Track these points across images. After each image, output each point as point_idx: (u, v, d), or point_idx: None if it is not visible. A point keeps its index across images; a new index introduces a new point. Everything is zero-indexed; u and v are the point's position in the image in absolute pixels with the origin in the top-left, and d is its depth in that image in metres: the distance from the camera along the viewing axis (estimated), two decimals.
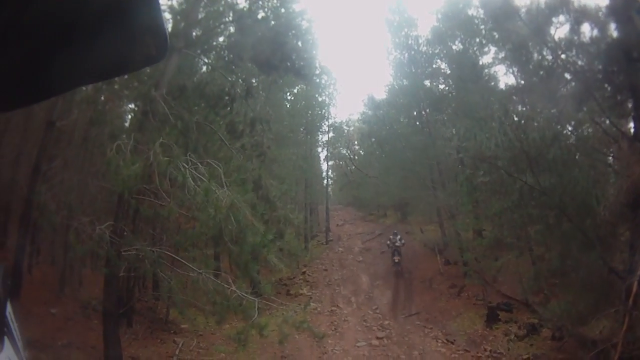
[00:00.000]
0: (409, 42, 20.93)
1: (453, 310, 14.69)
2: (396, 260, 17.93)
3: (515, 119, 12.00)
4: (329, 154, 28.61)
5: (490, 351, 11.78)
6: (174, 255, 9.77)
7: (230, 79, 10.97)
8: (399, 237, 18.64)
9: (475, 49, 18.33)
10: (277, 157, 13.41)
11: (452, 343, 12.40)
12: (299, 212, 18.45)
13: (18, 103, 0.99)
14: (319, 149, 27.89)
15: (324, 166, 29.30)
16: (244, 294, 8.53)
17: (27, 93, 0.92)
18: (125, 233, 9.22)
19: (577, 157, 11.22)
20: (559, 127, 11.90)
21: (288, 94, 22.22)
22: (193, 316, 10.88)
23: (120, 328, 10.04)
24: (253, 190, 9.58)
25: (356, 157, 32.66)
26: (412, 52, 20.80)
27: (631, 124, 10.64)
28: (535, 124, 11.59)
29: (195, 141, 9.60)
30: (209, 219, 8.20)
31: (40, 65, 0.86)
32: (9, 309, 1.19)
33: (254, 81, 13.71)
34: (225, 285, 8.71)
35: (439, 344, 12.36)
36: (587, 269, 9.67)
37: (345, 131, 31.83)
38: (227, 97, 10.51)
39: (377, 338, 12.79)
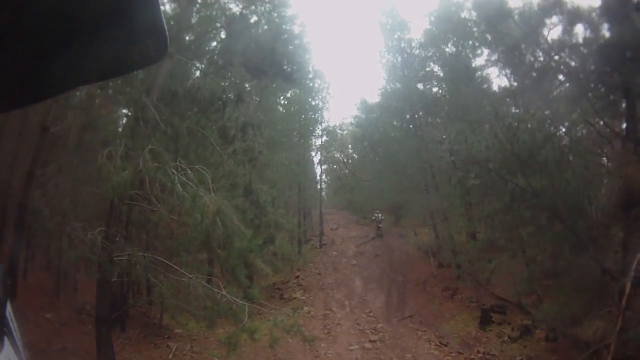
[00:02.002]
0: (402, 45, 20.94)
1: (446, 312, 14.73)
2: (380, 225, 23.17)
3: (507, 121, 12.01)
4: (322, 158, 28.43)
5: (484, 353, 11.81)
6: (166, 261, 9.75)
7: (222, 84, 10.95)
8: (380, 215, 23.52)
9: (468, 51, 18.28)
10: (269, 161, 13.39)
11: (445, 345, 12.43)
12: (293, 216, 18.68)
13: (18, 103, 1.00)
14: (313, 153, 27.87)
15: (318, 170, 29.22)
16: (234, 298, 8.54)
17: (27, 93, 0.92)
18: (117, 238, 9.23)
19: (570, 158, 11.23)
20: (552, 128, 11.92)
21: (281, 98, 22.11)
22: (186, 321, 10.91)
23: (114, 333, 10.07)
24: (243, 195, 9.60)
25: (350, 161, 32.79)
26: (405, 55, 20.81)
27: (624, 124, 10.67)
28: (528, 125, 11.60)
29: (185, 147, 9.63)
30: (196, 224, 8.22)
31: (40, 65, 0.86)
32: (8, 308, 1.19)
33: (246, 86, 13.70)
34: (215, 290, 8.73)
35: (432, 347, 12.39)
36: (579, 270, 9.70)
37: (339, 135, 31.88)
38: (219, 102, 10.49)
39: (370, 341, 12.82)
